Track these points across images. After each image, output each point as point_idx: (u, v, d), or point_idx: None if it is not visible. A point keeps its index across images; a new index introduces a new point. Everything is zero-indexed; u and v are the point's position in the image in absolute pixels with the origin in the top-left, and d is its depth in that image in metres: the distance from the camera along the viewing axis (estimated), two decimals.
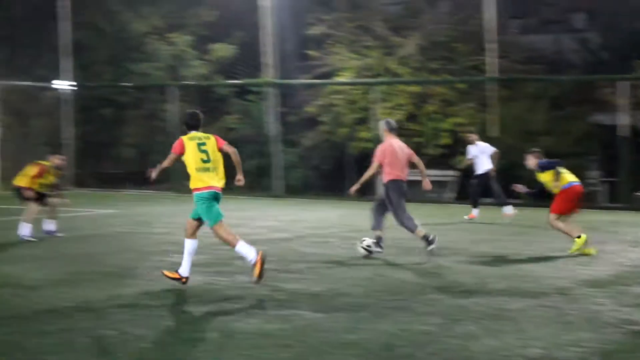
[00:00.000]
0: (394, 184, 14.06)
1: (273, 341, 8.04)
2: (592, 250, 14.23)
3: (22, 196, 16.66)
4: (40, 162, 16.84)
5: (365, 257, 13.71)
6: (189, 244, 11.11)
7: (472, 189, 21.02)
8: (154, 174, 11.57)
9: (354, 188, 14.36)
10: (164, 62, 32.21)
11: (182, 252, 11.07)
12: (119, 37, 33.52)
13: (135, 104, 33.89)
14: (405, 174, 14.20)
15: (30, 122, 32.38)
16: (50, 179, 16.80)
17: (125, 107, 33.94)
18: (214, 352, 7.67)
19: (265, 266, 10.92)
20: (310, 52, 29.80)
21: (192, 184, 11.07)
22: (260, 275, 10.87)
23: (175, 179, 30.19)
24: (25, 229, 16.23)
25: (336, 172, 29.37)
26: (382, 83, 28.90)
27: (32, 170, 16.64)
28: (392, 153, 14.09)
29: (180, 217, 20.48)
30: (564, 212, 14.51)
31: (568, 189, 14.47)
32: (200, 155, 11.08)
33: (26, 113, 32.00)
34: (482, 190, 20.56)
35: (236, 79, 30.58)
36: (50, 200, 16.82)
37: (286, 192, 28.49)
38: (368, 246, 13.99)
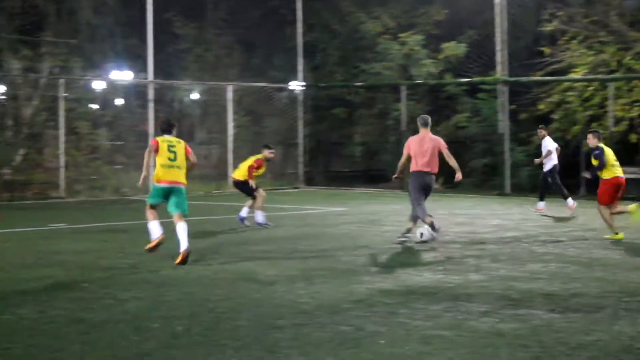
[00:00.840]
0: (413, 175, 15.26)
1: (508, 341, 7.90)
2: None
3: (245, 189, 18.02)
4: (256, 155, 18.23)
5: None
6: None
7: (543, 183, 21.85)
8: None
9: (395, 176, 15.91)
10: (395, 61, 32.37)
11: (413, 251, 11.06)
12: (351, 38, 33.97)
13: (366, 104, 34.25)
14: (427, 166, 15.12)
15: (263, 122, 33.36)
16: (262, 171, 18.37)
17: (356, 107, 34.35)
18: (448, 350, 7.60)
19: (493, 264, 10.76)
20: (544, 49, 29.13)
21: (154, 177, 13.73)
22: (150, 250, 13.28)
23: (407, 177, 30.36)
24: (259, 217, 17.76)
25: (567, 170, 28.57)
26: (618, 79, 27.89)
27: (248, 163, 18.09)
28: (415, 146, 15.23)
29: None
30: (605, 203, 15.69)
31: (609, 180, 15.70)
32: (168, 154, 13.55)
33: (260, 113, 32.98)
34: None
35: (467, 77, 30.34)
36: (259, 192, 18.07)
37: (513, 190, 28.03)
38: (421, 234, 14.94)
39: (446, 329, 8.36)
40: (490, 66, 29.24)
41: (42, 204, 24.85)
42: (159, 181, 13.66)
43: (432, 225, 14.81)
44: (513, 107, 29.50)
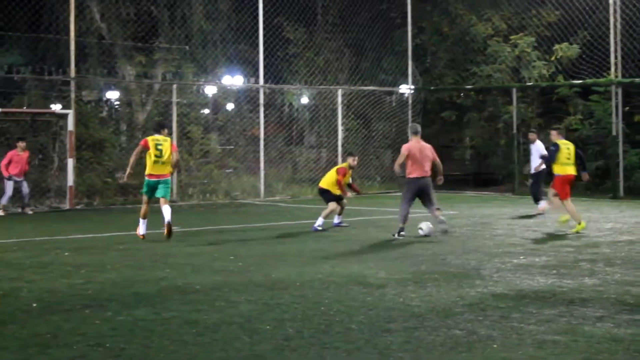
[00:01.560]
0: (413, 181, 16.93)
1: (625, 346, 7.75)
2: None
3: (326, 197, 18.71)
4: (340, 165, 19.42)
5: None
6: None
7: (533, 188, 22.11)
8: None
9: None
10: (506, 63, 32.00)
11: (525, 254, 10.92)
12: (461, 40, 33.73)
13: (476, 107, 33.94)
14: (428, 172, 16.87)
15: (372, 125, 33.38)
16: (348, 179, 19.00)
17: (466, 110, 34.07)
18: (563, 356, 7.48)
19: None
20: None
21: (146, 171, 16.47)
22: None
23: (512, 181, 30.13)
24: (320, 221, 18.32)
25: None
26: None
27: (333, 174, 18.79)
28: (415, 153, 16.89)
29: (521, 220, 20.39)
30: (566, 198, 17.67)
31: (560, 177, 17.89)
32: (155, 152, 16.25)
33: (369, 117, 33.00)
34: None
35: (579, 79, 29.81)
36: (344, 200, 18.87)
37: (626, 194, 27.42)
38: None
39: (560, 333, 8.24)
40: (603, 67, 28.65)
41: (155, 207, 25.32)
42: (149, 175, 16.51)
43: (400, 230, 16.59)
44: (627, 108, 28.88)
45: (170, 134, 26.11)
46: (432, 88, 34.23)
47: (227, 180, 28.30)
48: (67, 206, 24.60)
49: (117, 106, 30.21)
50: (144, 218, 16.59)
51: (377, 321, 8.88)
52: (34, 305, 9.81)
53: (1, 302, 9.99)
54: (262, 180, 28.71)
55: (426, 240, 16.31)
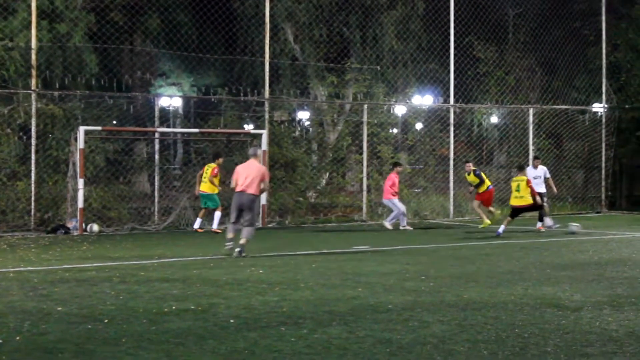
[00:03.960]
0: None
1: None
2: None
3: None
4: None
5: None
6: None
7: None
8: None
9: None
10: None
11: None
12: None
13: None
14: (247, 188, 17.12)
15: (564, 145, 32.71)
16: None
17: None
18: None
19: None
20: None
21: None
22: None
23: None
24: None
25: None
26: None
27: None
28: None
29: None
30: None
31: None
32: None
33: (561, 136, 32.36)
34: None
35: None
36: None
37: None
38: None
39: None
40: None
41: (345, 226, 25.61)
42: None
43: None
44: None
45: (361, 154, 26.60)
46: (627, 106, 33.23)
47: (416, 200, 28.31)
48: (260, 224, 25.17)
49: (308, 126, 30.75)
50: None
51: (573, 345, 8.71)
52: (231, 321, 10.05)
53: (200, 318, 10.28)
54: (451, 200, 28.58)
55: (621, 262, 15.85)
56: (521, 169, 23.31)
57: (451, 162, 28.87)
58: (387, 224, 24.24)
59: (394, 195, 24.37)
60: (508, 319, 10.11)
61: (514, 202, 22.51)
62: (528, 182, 22.38)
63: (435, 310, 10.71)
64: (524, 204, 22.27)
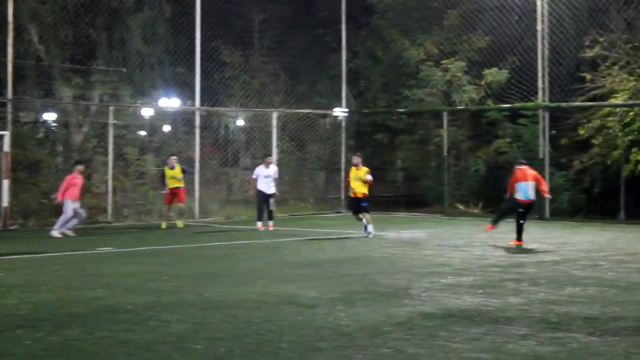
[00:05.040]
0: None
1: None
2: None
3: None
4: None
5: None
6: None
7: None
8: None
9: None
10: (437, 87, 32.53)
11: (453, 274, 11.17)
12: (394, 65, 34.17)
13: (408, 130, 34.46)
14: None
15: (307, 147, 33.69)
16: None
17: (398, 133, 34.57)
18: None
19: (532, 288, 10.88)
20: (585, 75, 29.15)
21: None
22: None
23: (441, 202, 30.67)
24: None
25: (607, 195, 28.58)
26: None
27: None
28: None
29: (451, 240, 20.78)
30: None
31: None
32: None
33: (304, 139, 33.30)
34: None
35: (508, 103, 30.44)
36: None
37: (552, 215, 28.02)
38: None
39: (485, 351, 8.47)
40: (531, 92, 29.32)
41: (89, 228, 25.27)
42: None
43: None
44: (553, 132, 29.57)
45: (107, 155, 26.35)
46: (365, 111, 34.68)
47: (161, 202, 28.32)
48: (0, 226, 24.46)
49: (54, 127, 30.07)
50: None
51: (307, 341, 9.03)
52: None
53: None
54: (197, 202, 28.79)
55: (356, 260, 16.59)
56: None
57: (197, 164, 29.07)
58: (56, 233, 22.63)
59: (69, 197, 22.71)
60: (246, 316, 10.39)
61: None
62: None
63: (176, 309, 10.85)
64: None
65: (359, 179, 22.06)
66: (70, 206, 22.30)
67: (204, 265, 16.06)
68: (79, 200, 22.76)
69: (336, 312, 10.69)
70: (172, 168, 24.89)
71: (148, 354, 8.42)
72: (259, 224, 24.30)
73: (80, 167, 23.07)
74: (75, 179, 22.59)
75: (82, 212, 22.88)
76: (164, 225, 24.92)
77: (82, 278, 13.99)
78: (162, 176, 25.39)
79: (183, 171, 25.04)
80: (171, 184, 24.97)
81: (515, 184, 19.70)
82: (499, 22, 30.94)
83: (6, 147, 24.47)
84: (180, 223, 25.31)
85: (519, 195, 19.56)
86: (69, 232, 22.43)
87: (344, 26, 33.52)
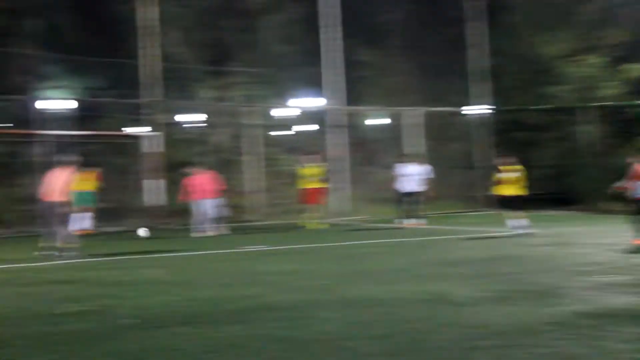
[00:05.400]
0: None
1: None
2: None
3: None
4: None
5: None
6: None
7: None
8: None
9: None
10: (576, 84, 31.91)
11: (604, 273, 10.97)
12: (531, 61, 33.70)
13: (547, 127, 33.91)
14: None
15: (445, 146, 33.55)
16: None
17: (537, 130, 34.06)
18: None
19: None
20: None
21: None
22: None
23: (588, 200, 30.04)
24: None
25: None
26: None
27: None
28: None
29: (598, 238, 20.33)
30: None
31: None
32: None
33: (441, 138, 33.18)
34: None
35: None
36: None
37: None
38: None
39: None
40: None
41: (241, 227, 25.76)
42: None
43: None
44: None
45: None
46: (503, 109, 34.32)
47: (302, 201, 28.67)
48: (158, 225, 25.17)
49: (194, 128, 30.77)
50: None
51: (462, 339, 8.95)
52: (129, 321, 10.11)
53: (96, 319, 10.30)
54: (341, 201, 29.03)
55: (507, 259, 16.42)
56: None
57: (338, 164, 29.28)
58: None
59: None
60: (399, 314, 10.38)
61: None
62: None
63: (329, 307, 10.93)
64: None
65: (509, 178, 21.65)
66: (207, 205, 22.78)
67: (353, 263, 16.17)
68: (204, 199, 23.10)
69: (489, 311, 10.60)
70: (307, 167, 24.93)
71: (304, 352, 8.50)
72: (406, 221, 24.32)
73: (194, 169, 23.50)
74: (195, 179, 22.96)
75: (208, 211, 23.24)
76: (307, 224, 24.90)
77: (238, 276, 14.30)
78: (299, 175, 25.42)
79: (318, 170, 25.00)
80: (306, 183, 24.96)
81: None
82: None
83: (151, 147, 25.13)
84: (318, 224, 25.25)
85: None
86: (213, 231, 22.91)
87: (474, 24, 33.27)
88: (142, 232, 22.78)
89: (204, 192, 22.79)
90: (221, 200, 23.04)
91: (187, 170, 23.34)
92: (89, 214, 23.36)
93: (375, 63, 33.20)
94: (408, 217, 24.58)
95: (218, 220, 22.95)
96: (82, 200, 22.14)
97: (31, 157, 26.70)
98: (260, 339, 9.05)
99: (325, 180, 25.17)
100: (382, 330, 9.49)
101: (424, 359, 8.20)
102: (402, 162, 25.16)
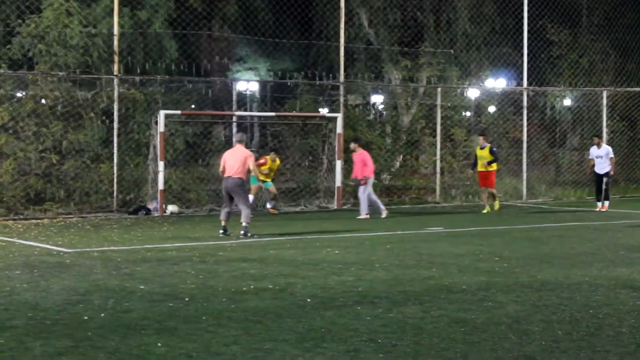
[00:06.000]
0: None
1: None
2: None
3: None
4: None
5: None
6: None
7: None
8: None
9: None
10: None
11: None
12: None
13: None
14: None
15: (638, 127, 32.44)
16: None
17: None
18: None
19: None
20: None
21: None
22: None
23: None
24: None
25: None
26: None
27: None
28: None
29: None
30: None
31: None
32: None
33: (635, 119, 32.11)
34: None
35: None
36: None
37: None
38: None
39: None
40: None
41: (418, 208, 25.82)
42: None
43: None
44: None
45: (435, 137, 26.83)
46: None
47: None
48: (334, 206, 25.46)
49: (382, 109, 30.98)
50: None
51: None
52: (308, 300, 10.34)
53: (278, 297, 10.60)
54: (524, 183, 28.59)
55: None
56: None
57: (524, 145, 28.83)
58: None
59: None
60: (582, 299, 10.29)
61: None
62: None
63: (509, 290, 10.92)
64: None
65: None
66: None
67: (535, 246, 15.98)
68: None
69: None
70: (483, 148, 24.45)
71: (484, 334, 8.51)
72: (599, 204, 24.03)
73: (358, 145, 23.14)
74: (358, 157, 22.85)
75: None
76: (487, 207, 24.63)
77: (415, 257, 14.35)
78: (474, 157, 25.01)
79: (492, 152, 24.43)
80: (480, 166, 24.58)
81: None
82: None
83: (339, 128, 25.43)
84: (496, 205, 24.75)
85: None
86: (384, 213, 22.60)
87: None
88: (171, 207, 23.21)
89: (363, 171, 22.56)
90: (371, 181, 22.76)
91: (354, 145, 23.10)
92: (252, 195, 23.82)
93: (569, 42, 32.42)
94: (602, 199, 24.13)
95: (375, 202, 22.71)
96: (254, 180, 22.56)
97: (224, 137, 27.60)
98: (438, 321, 9.13)
99: (493, 162, 24.39)
100: (562, 314, 9.42)
101: (606, 344, 8.09)
102: (595, 144, 24.63)
